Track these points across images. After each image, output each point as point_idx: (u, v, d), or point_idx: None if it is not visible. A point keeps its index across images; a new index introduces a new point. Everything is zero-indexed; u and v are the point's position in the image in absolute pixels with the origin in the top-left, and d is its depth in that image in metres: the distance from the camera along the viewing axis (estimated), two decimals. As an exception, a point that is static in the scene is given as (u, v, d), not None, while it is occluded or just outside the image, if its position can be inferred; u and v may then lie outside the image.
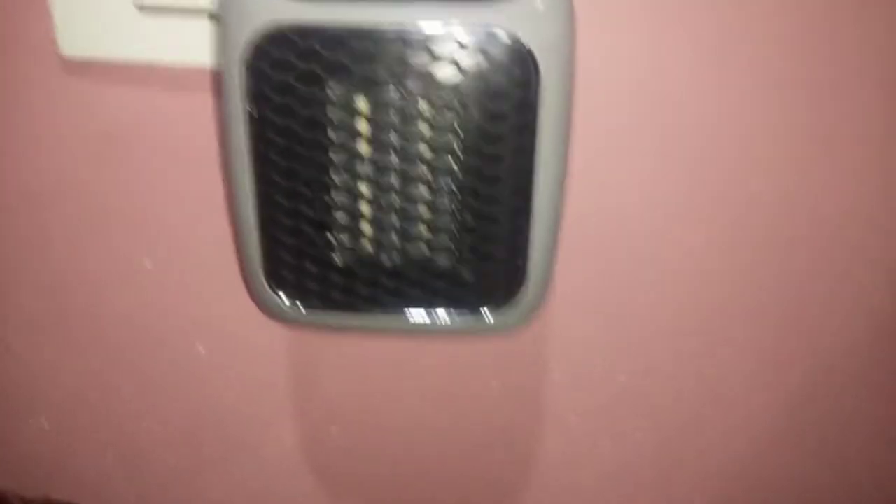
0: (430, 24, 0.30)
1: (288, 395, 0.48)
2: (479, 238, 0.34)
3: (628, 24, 0.39)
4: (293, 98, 0.32)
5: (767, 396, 0.48)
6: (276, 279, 0.35)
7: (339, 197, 0.34)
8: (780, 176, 0.42)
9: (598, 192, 0.42)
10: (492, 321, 0.35)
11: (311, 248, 0.35)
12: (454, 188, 0.33)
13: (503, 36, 0.30)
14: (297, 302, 0.36)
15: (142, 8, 0.39)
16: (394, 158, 0.33)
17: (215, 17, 0.35)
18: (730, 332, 0.46)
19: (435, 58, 0.31)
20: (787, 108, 0.41)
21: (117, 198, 0.44)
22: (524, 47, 0.31)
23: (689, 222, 0.43)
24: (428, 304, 0.35)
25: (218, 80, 0.39)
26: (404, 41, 0.31)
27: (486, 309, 0.35)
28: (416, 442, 0.49)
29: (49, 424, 0.50)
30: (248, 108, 0.32)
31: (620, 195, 0.42)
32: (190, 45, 0.40)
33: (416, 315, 0.36)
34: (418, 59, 0.31)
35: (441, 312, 0.36)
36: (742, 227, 0.43)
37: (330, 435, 0.49)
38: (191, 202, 0.44)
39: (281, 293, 0.36)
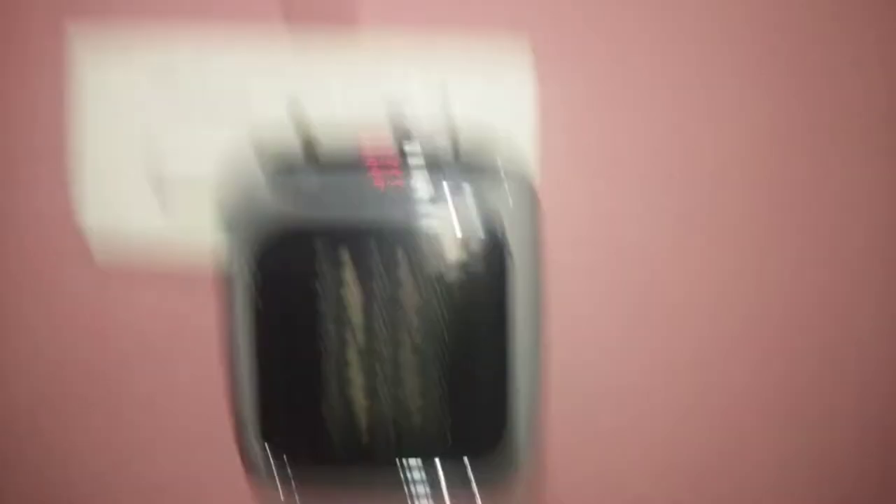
0: (417, 221, 0.36)
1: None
2: (463, 401, 0.38)
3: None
4: (293, 289, 0.37)
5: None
6: (268, 441, 0.39)
7: (333, 380, 0.38)
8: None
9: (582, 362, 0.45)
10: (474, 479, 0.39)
11: (302, 413, 0.39)
12: (440, 366, 0.38)
13: (480, 230, 0.36)
14: (287, 461, 0.39)
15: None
16: (383, 339, 0.38)
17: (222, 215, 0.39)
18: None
19: (419, 250, 0.36)
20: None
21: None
22: (499, 237, 0.36)
23: (667, 375, 0.46)
24: (414, 463, 0.39)
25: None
26: (392, 229, 0.36)
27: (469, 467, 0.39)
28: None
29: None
30: (253, 296, 0.37)
31: (603, 361, 0.45)
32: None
33: (403, 474, 0.39)
34: (404, 244, 0.36)
35: (425, 471, 0.39)
36: (734, 369, 0.46)
37: None
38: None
39: (270, 452, 0.39)
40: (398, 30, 0.42)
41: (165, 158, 0.43)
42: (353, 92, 0.42)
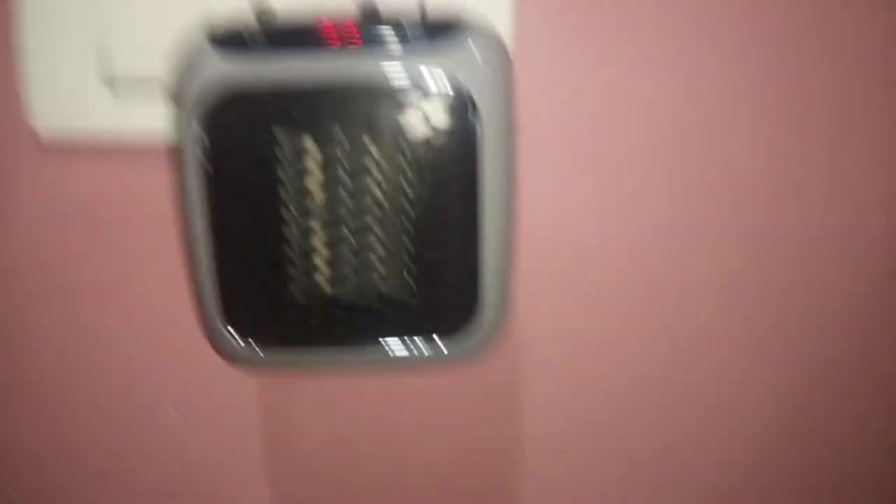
0: (375, 75, 0.33)
1: (262, 448, 0.48)
2: (432, 269, 0.36)
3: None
4: (248, 151, 0.34)
5: (736, 422, 0.48)
6: (233, 322, 0.37)
7: (293, 238, 0.36)
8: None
9: (553, 221, 0.44)
10: (448, 349, 0.36)
11: (266, 288, 0.36)
12: (405, 225, 0.35)
13: (445, 82, 0.33)
14: (254, 341, 0.37)
15: (115, 86, 0.42)
16: (347, 200, 0.35)
17: (173, 79, 0.37)
18: (697, 358, 0.47)
19: (382, 106, 0.34)
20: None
21: (83, 270, 0.46)
22: (464, 91, 0.33)
23: (646, 243, 0.45)
24: (384, 336, 0.37)
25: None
26: (352, 92, 0.34)
27: (441, 338, 0.36)
28: (393, 476, 0.49)
29: (16, 494, 0.50)
30: (204, 165, 0.34)
31: (575, 221, 0.44)
32: (160, 119, 0.42)
33: (373, 349, 0.37)
34: (366, 108, 0.34)
35: (398, 344, 0.37)
36: (717, 254, 0.46)
37: (307, 484, 0.49)
38: (153, 265, 0.45)
39: (237, 334, 0.37)
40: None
41: (115, 52, 0.42)
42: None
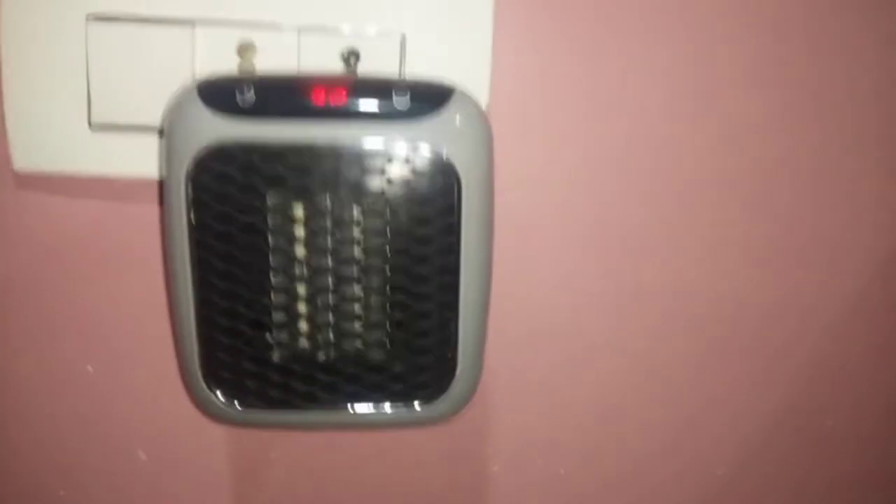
0: (359, 140, 0.34)
1: (232, 497, 0.48)
2: (410, 332, 0.36)
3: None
4: (233, 207, 0.34)
5: (702, 470, 0.49)
6: (213, 378, 0.37)
7: (275, 297, 0.36)
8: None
9: (526, 285, 0.45)
10: (423, 412, 0.37)
11: (247, 346, 0.36)
12: (385, 287, 0.36)
13: (426, 149, 0.34)
14: (234, 400, 0.37)
15: (94, 125, 0.42)
16: (328, 260, 0.35)
17: (162, 133, 0.37)
18: (657, 412, 0.48)
19: (365, 169, 0.34)
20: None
21: (61, 305, 0.45)
22: (444, 158, 0.34)
23: (618, 302, 0.46)
24: (363, 397, 0.37)
25: (162, 192, 0.42)
26: (337, 155, 0.34)
27: (417, 400, 0.37)
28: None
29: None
30: (190, 217, 0.34)
31: (546, 285, 0.45)
32: (138, 159, 0.42)
33: (351, 409, 0.37)
34: (350, 171, 0.34)
35: (375, 406, 0.37)
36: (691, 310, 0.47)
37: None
38: (133, 308, 0.45)
39: (217, 391, 0.37)
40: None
41: (103, 101, 0.42)
42: (304, 37, 0.41)
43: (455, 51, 0.42)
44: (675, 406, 0.48)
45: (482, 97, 0.42)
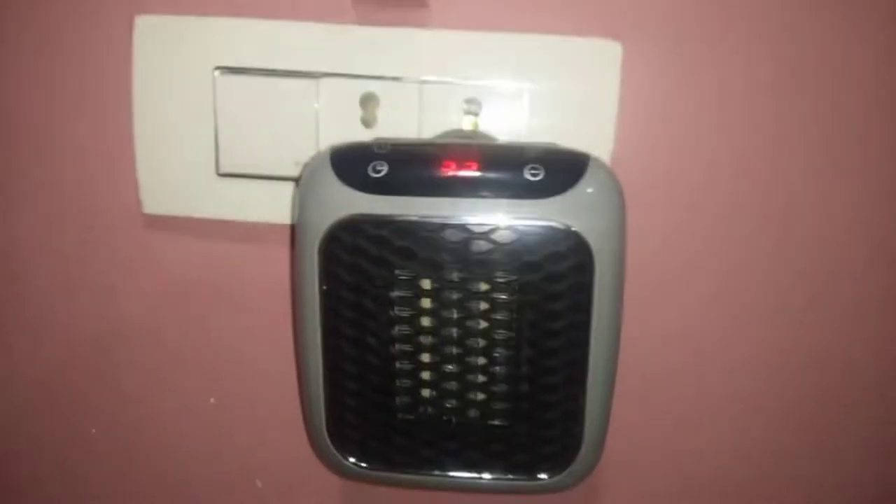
0: (491, 216, 0.33)
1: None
2: (536, 406, 0.36)
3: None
4: (363, 278, 0.35)
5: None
6: (338, 436, 0.37)
7: (401, 365, 0.36)
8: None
9: (650, 356, 0.44)
10: (546, 483, 0.37)
11: (373, 410, 0.37)
12: (512, 360, 0.36)
13: (559, 226, 0.33)
14: (357, 459, 0.38)
15: (221, 172, 0.43)
16: (454, 332, 0.35)
17: (296, 192, 0.38)
18: (783, 469, 0.46)
19: (496, 245, 0.33)
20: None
21: (187, 341, 0.47)
22: (578, 236, 0.33)
23: (740, 377, 0.45)
24: (485, 466, 0.37)
25: (291, 239, 0.43)
26: (468, 230, 0.33)
27: (541, 473, 0.37)
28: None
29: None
30: (321, 285, 0.35)
31: (670, 357, 0.44)
32: (263, 204, 0.43)
33: (472, 475, 0.37)
34: (480, 246, 0.34)
35: (496, 474, 0.37)
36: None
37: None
38: (255, 347, 0.47)
39: (342, 450, 0.38)
40: (474, 29, 0.41)
41: (230, 150, 0.43)
42: (428, 91, 0.41)
43: (578, 104, 0.41)
44: (806, 464, 0.46)
45: (606, 151, 0.41)
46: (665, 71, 0.42)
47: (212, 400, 0.48)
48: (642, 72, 0.41)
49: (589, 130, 0.41)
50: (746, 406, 0.45)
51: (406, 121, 0.41)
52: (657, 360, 0.44)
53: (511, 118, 0.41)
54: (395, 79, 0.41)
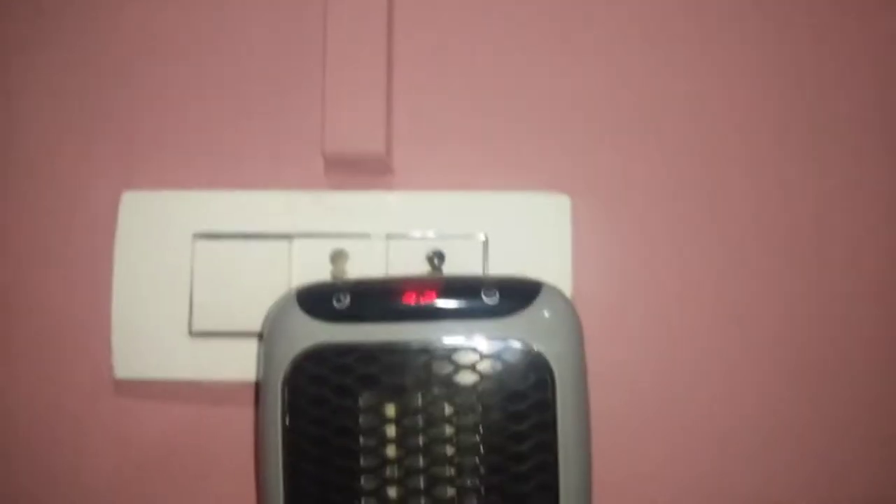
0: (451, 339, 0.34)
1: None
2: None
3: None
4: (327, 409, 0.35)
5: None
6: None
7: (366, 501, 0.35)
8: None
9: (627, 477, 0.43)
10: None
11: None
12: (480, 487, 0.34)
13: (517, 344, 0.34)
14: None
15: (193, 332, 0.44)
16: (421, 461, 0.35)
17: (260, 338, 0.39)
18: None
19: (457, 366, 0.34)
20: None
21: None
22: (536, 353, 0.34)
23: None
24: None
25: (256, 394, 0.43)
26: (429, 353, 0.34)
27: None
28: None
29: None
30: (284, 420, 0.35)
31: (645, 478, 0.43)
32: (233, 363, 0.44)
33: None
34: (442, 369, 0.34)
35: None
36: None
37: None
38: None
39: None
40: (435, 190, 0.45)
41: (204, 310, 0.44)
42: (394, 245, 0.44)
43: (536, 252, 0.44)
44: None
45: (566, 290, 0.43)
46: (610, 217, 0.45)
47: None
48: (591, 220, 0.45)
49: (547, 274, 0.43)
50: None
51: (374, 273, 0.44)
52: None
53: (471, 267, 0.44)
54: (362, 235, 0.44)
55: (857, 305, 0.44)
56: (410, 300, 0.35)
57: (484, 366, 0.34)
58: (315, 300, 0.36)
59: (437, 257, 0.43)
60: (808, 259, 0.45)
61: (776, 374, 0.44)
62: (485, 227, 0.44)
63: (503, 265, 0.44)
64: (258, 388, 0.37)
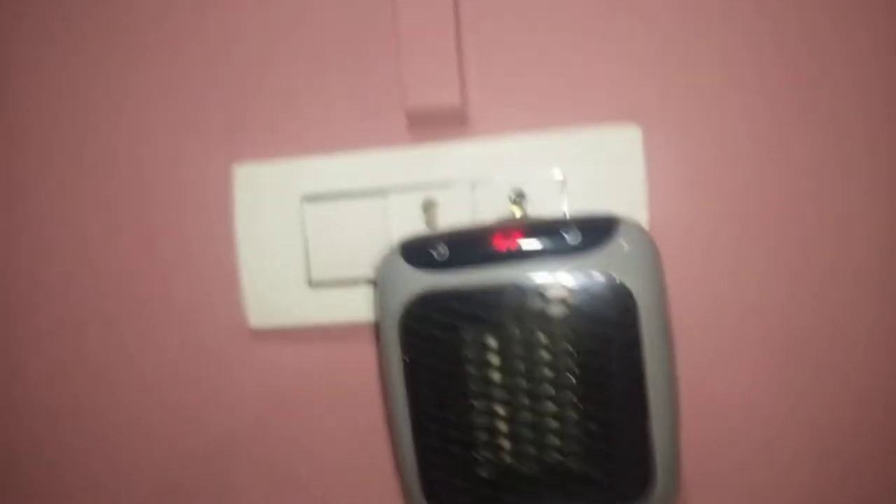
0: (539, 276, 0.39)
1: None
2: (606, 442, 0.39)
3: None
4: (437, 344, 0.40)
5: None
6: (433, 496, 0.41)
7: (479, 419, 0.41)
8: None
9: (713, 391, 0.47)
10: (627, 520, 0.39)
11: (459, 466, 0.41)
12: (576, 401, 0.40)
13: (599, 276, 0.38)
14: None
15: (312, 283, 0.51)
16: (522, 382, 0.40)
17: (374, 288, 0.45)
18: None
19: (547, 300, 0.39)
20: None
21: (288, 445, 0.53)
22: (618, 282, 0.38)
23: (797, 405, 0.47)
24: (567, 507, 0.40)
25: (375, 334, 0.49)
26: (520, 291, 0.39)
27: (619, 508, 0.40)
28: None
29: None
30: (403, 356, 0.41)
31: (732, 389, 0.47)
32: (350, 307, 0.50)
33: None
34: (533, 303, 0.39)
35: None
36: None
37: None
38: (355, 440, 0.52)
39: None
40: (509, 133, 0.49)
41: (319, 263, 0.50)
42: (478, 191, 0.48)
43: (611, 185, 0.47)
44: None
45: (642, 222, 0.46)
46: (683, 146, 0.48)
47: (318, 493, 0.53)
48: (664, 150, 0.48)
49: (624, 207, 0.47)
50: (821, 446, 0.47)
51: (462, 218, 0.48)
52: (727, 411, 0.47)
53: (551, 205, 0.47)
54: (449, 184, 0.49)
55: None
56: (500, 245, 0.40)
57: (570, 297, 0.39)
58: (416, 253, 0.41)
59: (518, 197, 0.47)
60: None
61: (848, 297, 0.46)
62: (561, 164, 0.48)
63: (582, 200, 0.47)
64: (377, 328, 0.43)
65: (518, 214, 0.47)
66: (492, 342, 0.40)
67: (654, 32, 0.48)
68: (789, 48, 0.47)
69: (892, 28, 0.45)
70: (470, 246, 0.40)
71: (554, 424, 0.40)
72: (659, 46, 0.48)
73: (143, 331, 0.54)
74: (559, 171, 0.48)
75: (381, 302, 0.41)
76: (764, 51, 0.47)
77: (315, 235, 0.51)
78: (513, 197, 0.48)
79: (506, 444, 0.41)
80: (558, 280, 0.39)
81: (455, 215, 0.48)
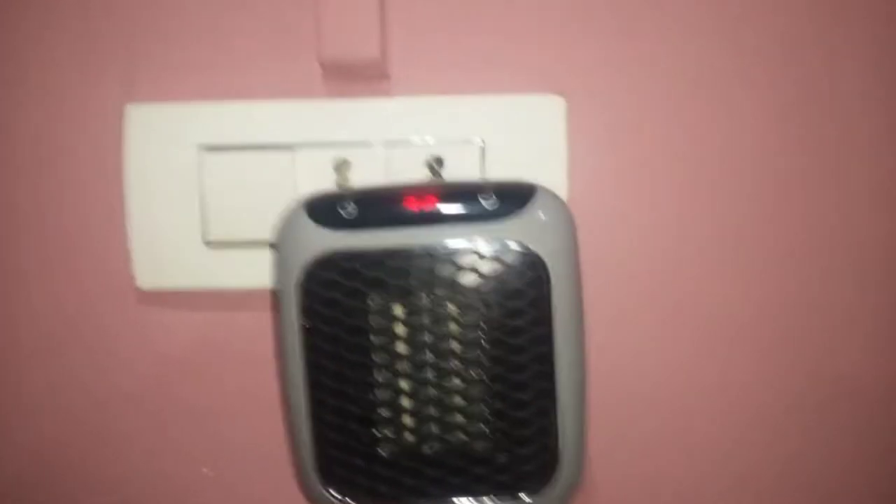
0: (452, 241, 0.36)
1: None
2: (511, 423, 0.37)
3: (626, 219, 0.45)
4: (340, 311, 0.37)
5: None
6: (328, 475, 0.39)
7: (380, 393, 0.38)
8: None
9: (620, 368, 0.46)
10: (531, 502, 0.38)
11: (357, 443, 0.38)
12: (483, 378, 0.37)
13: (514, 245, 0.36)
14: (347, 496, 0.39)
15: (208, 243, 0.46)
16: (428, 355, 0.38)
17: (273, 247, 0.41)
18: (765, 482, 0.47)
19: (458, 267, 0.36)
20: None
21: (179, 412, 0.49)
22: (532, 252, 0.36)
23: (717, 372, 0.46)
24: (469, 490, 0.38)
25: (275, 300, 0.46)
26: (431, 256, 0.36)
27: (523, 492, 0.38)
28: None
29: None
30: (302, 322, 0.37)
31: (640, 367, 0.46)
32: (248, 271, 0.46)
33: (457, 500, 0.38)
34: (444, 270, 0.37)
35: (480, 497, 0.38)
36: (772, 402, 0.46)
37: None
38: (248, 411, 0.48)
39: (331, 488, 0.39)
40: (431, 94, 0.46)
41: (216, 220, 0.46)
42: (394, 153, 0.45)
43: (532, 155, 0.45)
44: (787, 478, 0.47)
45: (562, 193, 0.44)
46: (606, 119, 0.46)
47: (205, 470, 0.49)
48: (587, 121, 0.46)
49: (544, 177, 0.45)
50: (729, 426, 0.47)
51: (376, 181, 0.45)
52: (626, 384, 0.46)
53: (470, 171, 0.45)
54: (363, 144, 0.46)
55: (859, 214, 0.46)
56: (412, 206, 0.37)
57: (483, 266, 0.36)
58: (322, 210, 0.38)
59: (436, 163, 0.45)
60: (819, 162, 0.46)
61: (766, 268, 0.46)
62: (482, 130, 0.45)
63: (501, 168, 0.45)
64: (275, 291, 0.39)
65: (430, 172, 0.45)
66: (398, 311, 0.38)
67: (587, 3, 0.46)
68: (715, 17, 0.46)
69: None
70: (381, 205, 0.38)
71: (458, 402, 0.38)
72: (591, 18, 0.46)
73: (19, 286, 0.48)
74: (480, 137, 0.45)
75: (281, 261, 0.38)
76: (691, 23, 0.46)
77: (214, 190, 0.46)
78: (430, 161, 0.45)
79: (408, 421, 0.38)
80: (471, 246, 0.36)
81: (368, 177, 0.45)
